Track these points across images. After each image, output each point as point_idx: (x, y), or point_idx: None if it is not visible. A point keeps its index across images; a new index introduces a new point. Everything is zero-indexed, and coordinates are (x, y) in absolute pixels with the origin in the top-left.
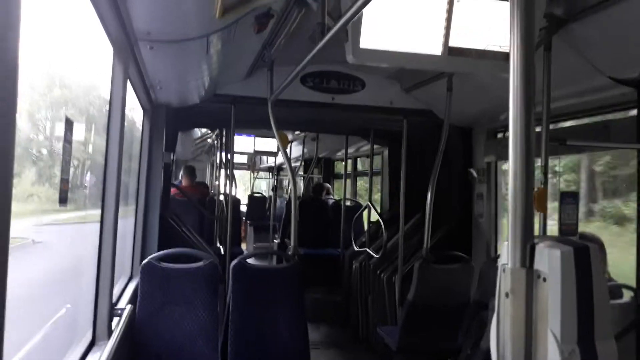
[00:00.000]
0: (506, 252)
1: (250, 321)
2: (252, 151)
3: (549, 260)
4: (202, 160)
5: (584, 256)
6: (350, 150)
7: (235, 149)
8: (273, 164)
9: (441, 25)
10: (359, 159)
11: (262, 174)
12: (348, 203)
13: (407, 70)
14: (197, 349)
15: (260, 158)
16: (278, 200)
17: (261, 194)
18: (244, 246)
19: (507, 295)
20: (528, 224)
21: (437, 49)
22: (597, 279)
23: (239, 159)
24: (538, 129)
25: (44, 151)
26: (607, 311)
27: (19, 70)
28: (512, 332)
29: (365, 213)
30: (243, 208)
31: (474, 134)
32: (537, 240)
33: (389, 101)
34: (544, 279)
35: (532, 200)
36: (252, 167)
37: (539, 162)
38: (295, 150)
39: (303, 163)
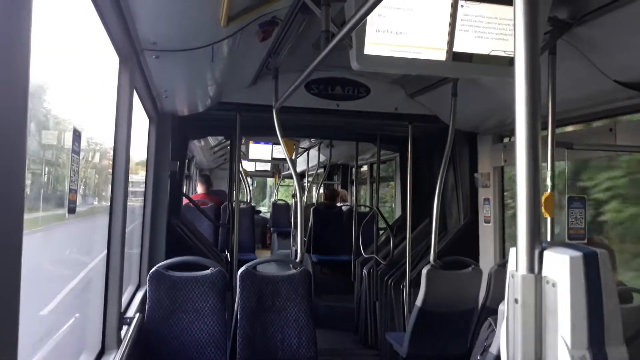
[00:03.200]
0: (514, 258)
1: (258, 328)
2: (269, 158)
3: (558, 266)
4: (227, 169)
5: (593, 262)
6: (366, 156)
7: (253, 157)
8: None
9: (445, 31)
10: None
11: (287, 182)
12: (367, 209)
13: (412, 76)
14: (206, 357)
15: (283, 165)
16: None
17: (284, 201)
18: (268, 253)
19: (516, 301)
20: (536, 230)
21: (441, 55)
22: (606, 285)
23: (261, 166)
24: (544, 134)
25: None
26: (618, 316)
27: (29, 77)
28: (522, 338)
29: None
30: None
31: (479, 138)
32: (546, 245)
33: (393, 107)
34: (553, 285)
35: (539, 205)
36: (276, 175)
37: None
38: (315, 157)
39: (324, 169)
